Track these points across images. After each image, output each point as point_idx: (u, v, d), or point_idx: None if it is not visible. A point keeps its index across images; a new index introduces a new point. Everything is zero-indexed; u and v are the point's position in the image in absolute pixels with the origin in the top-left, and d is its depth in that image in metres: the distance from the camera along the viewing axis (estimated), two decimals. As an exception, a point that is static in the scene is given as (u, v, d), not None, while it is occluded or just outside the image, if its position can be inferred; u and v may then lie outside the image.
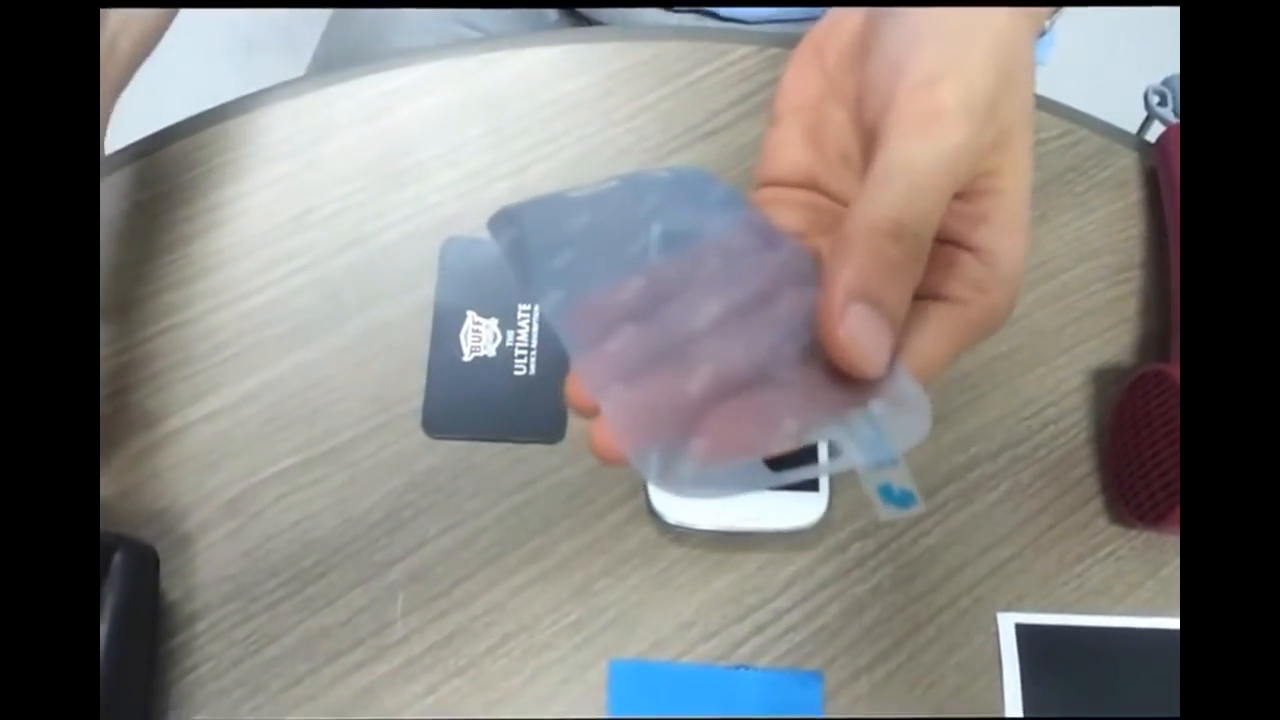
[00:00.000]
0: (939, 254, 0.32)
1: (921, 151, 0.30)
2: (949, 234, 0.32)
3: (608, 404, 0.29)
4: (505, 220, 0.35)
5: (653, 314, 0.31)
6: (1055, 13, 0.42)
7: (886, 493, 0.30)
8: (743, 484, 0.29)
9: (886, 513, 0.30)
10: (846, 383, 0.29)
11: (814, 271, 0.33)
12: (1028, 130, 0.33)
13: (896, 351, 0.30)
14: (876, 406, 0.29)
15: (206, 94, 0.62)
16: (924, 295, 0.32)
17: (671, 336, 0.31)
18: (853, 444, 0.29)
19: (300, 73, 0.67)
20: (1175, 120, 0.62)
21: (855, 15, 0.36)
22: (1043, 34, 0.42)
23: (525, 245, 0.34)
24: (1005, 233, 0.32)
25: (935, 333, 0.31)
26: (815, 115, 0.36)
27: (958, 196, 0.32)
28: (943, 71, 0.31)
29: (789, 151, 0.37)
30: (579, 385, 0.30)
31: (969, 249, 0.32)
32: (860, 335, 0.29)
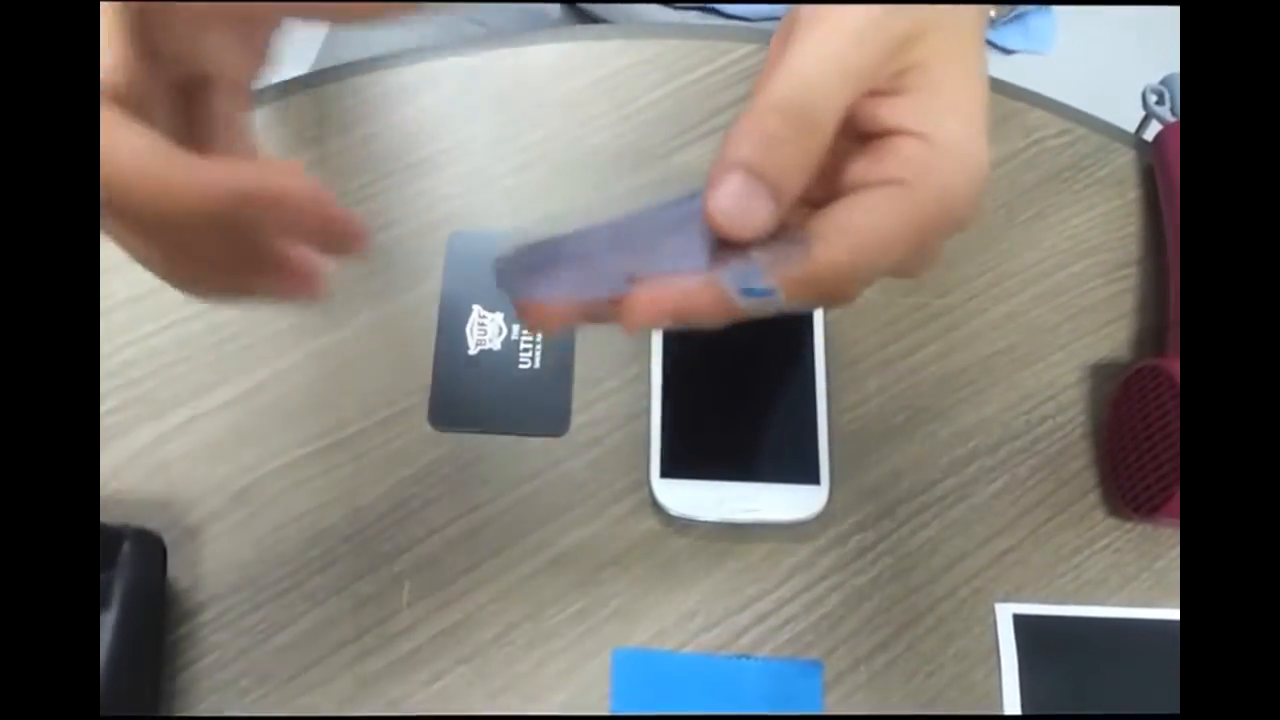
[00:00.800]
0: (881, 144, 0.33)
1: (812, 42, 0.31)
2: (886, 124, 0.33)
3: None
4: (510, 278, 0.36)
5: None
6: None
7: (749, 291, 0.31)
8: None
9: (746, 303, 0.32)
10: None
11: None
12: (971, 28, 0.33)
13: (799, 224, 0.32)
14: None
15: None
16: (872, 183, 0.32)
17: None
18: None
19: (304, 67, 0.67)
20: (1173, 119, 0.62)
21: None
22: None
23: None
24: (942, 116, 0.32)
25: (878, 210, 0.32)
26: None
27: (886, 92, 0.32)
28: None
29: None
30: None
31: (903, 133, 0.32)
32: (735, 199, 0.30)
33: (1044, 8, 0.65)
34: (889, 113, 0.32)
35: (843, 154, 0.34)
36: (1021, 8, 0.57)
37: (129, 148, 0.28)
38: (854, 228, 0.32)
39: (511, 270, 0.34)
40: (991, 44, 0.65)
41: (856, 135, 0.33)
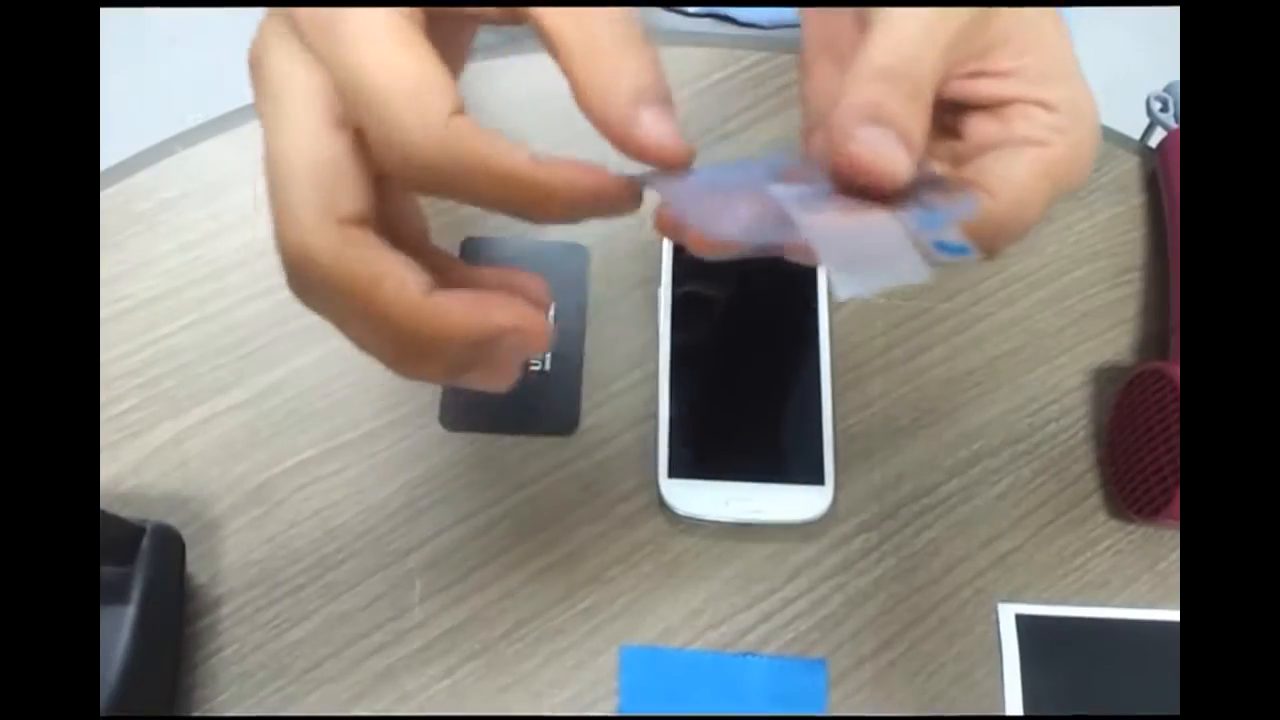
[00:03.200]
0: (1008, 113, 0.34)
1: (903, 11, 0.32)
2: (1004, 96, 0.34)
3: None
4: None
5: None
6: None
7: (942, 246, 0.30)
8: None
9: (941, 258, 0.30)
10: None
11: None
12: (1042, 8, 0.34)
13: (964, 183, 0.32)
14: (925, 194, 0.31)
15: (223, 95, 0.64)
16: (1009, 143, 0.34)
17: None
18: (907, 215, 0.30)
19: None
20: (1176, 125, 0.63)
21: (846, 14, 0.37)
22: None
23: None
24: (1055, 83, 0.34)
25: (1032, 165, 0.33)
26: (843, 47, 0.37)
27: (984, 73, 0.34)
28: None
29: (829, 90, 0.37)
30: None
31: (1026, 101, 0.34)
32: (876, 146, 0.30)
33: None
34: (1003, 89, 0.34)
35: (950, 129, 0.35)
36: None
37: (396, 283, 0.29)
38: (1015, 179, 0.33)
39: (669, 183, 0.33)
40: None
41: (969, 108, 0.35)
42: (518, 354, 0.32)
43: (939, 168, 0.35)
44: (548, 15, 0.29)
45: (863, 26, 0.33)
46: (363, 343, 0.30)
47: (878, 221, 0.30)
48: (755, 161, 0.34)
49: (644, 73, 0.29)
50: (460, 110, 0.28)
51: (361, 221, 0.29)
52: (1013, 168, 0.33)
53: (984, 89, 0.34)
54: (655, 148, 0.29)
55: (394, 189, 0.32)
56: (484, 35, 0.66)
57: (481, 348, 0.30)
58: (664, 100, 0.30)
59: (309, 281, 0.29)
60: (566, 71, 0.30)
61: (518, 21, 0.30)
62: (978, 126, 0.35)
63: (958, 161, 0.35)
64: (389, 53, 0.27)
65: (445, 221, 0.59)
